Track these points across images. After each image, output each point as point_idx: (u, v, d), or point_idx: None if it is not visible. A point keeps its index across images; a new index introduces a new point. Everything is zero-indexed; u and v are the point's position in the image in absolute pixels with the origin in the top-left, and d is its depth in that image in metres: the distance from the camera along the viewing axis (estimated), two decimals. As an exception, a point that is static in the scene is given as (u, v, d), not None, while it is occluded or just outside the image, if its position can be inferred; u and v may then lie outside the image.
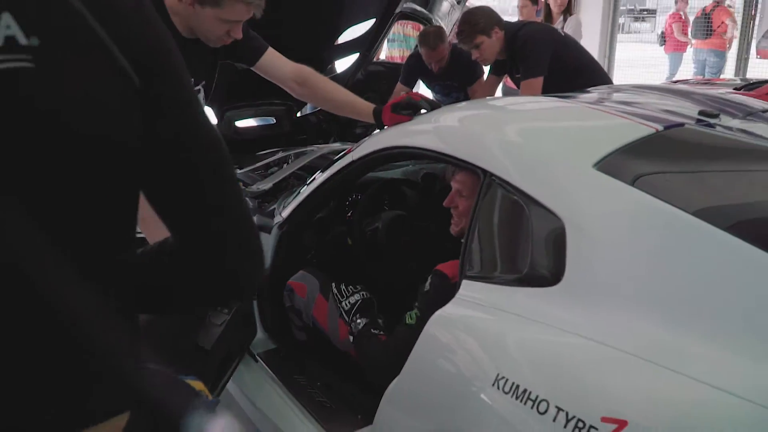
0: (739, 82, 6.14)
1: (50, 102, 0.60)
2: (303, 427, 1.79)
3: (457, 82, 3.68)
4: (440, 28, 3.48)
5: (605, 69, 4.42)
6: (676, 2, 9.24)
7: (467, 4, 3.72)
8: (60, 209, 0.63)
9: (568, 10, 4.89)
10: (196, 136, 0.72)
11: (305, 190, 2.09)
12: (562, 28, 4.64)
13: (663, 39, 9.21)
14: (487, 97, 3.34)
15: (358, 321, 1.77)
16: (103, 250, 0.69)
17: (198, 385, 0.82)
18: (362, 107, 2.18)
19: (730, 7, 8.41)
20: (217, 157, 0.74)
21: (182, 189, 0.72)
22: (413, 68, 3.66)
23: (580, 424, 1.04)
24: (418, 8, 3.39)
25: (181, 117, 0.71)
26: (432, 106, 2.00)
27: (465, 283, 1.40)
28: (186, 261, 0.74)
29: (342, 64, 3.55)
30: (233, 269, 0.75)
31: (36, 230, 0.60)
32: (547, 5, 4.91)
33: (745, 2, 7.59)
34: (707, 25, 8.21)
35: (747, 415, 0.95)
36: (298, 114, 3.56)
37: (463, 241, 1.48)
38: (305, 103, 3.39)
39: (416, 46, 3.69)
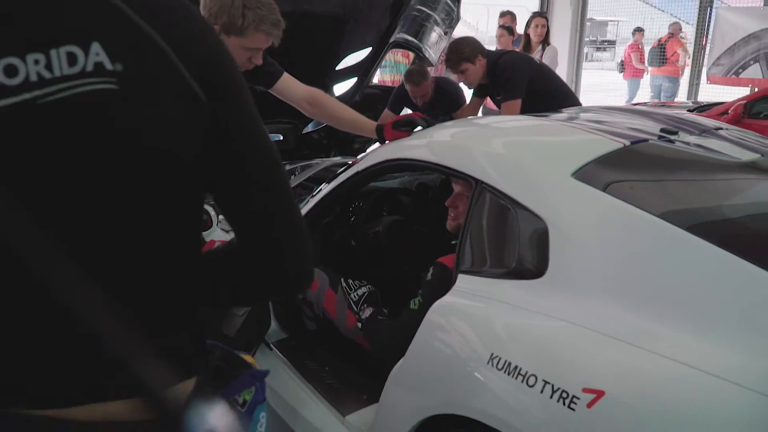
0: (691, 104, 6.23)
1: (130, 118, 0.62)
2: (314, 406, 1.81)
3: (441, 112, 3.61)
4: (423, 67, 3.46)
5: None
6: (633, 34, 9.38)
7: (453, 34, 3.79)
8: (125, 215, 0.64)
9: (546, 41, 4.94)
10: (257, 149, 0.72)
11: (313, 199, 2.12)
12: (541, 57, 4.70)
13: (622, 66, 9.35)
14: (475, 117, 3.39)
15: (366, 310, 1.80)
16: (171, 252, 0.69)
17: (249, 358, 0.85)
18: (365, 124, 2.21)
19: (682, 38, 8.56)
20: (274, 171, 0.74)
21: (241, 198, 0.72)
22: (400, 98, 3.55)
23: (564, 395, 1.09)
24: (410, 38, 3.44)
25: (244, 132, 0.71)
26: (428, 123, 2.04)
27: (461, 276, 1.44)
28: (245, 261, 0.76)
29: (340, 88, 3.59)
30: (287, 269, 0.76)
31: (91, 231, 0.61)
32: (527, 36, 4.94)
33: (696, 33, 7.74)
34: (662, 54, 8.36)
35: (705, 385, 1.00)
36: (303, 131, 3.60)
37: (457, 241, 1.51)
38: (309, 121, 3.42)
39: None
